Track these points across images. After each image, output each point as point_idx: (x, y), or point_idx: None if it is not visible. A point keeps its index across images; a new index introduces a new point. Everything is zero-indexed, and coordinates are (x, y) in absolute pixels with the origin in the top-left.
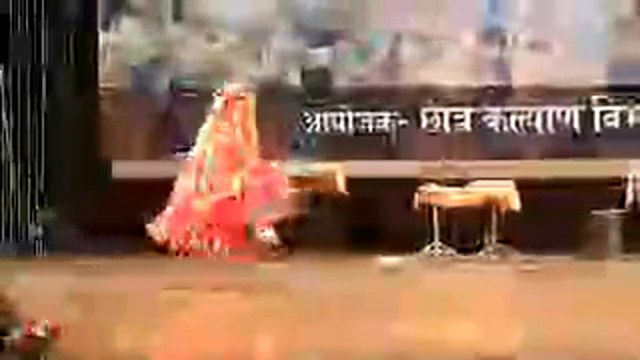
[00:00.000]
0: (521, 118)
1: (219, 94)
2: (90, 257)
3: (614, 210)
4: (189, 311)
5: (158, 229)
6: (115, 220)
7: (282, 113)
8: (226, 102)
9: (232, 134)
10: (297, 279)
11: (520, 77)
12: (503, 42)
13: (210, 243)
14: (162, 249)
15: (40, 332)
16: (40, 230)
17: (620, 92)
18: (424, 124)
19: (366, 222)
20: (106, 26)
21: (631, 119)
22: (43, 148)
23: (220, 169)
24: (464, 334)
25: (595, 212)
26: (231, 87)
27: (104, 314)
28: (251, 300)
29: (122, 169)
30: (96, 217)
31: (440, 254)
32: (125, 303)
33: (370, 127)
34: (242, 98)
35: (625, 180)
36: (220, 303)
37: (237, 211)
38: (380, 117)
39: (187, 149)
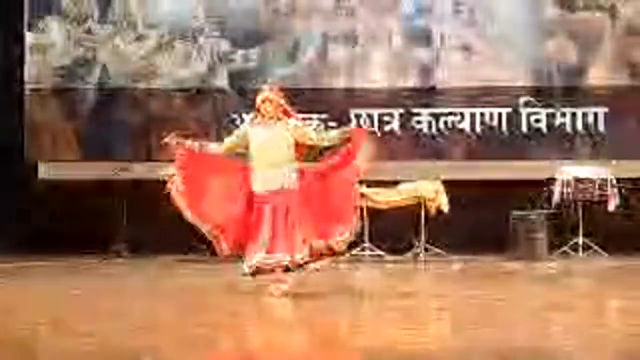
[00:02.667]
0: (449, 119)
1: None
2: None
3: (541, 211)
4: None
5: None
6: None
7: (210, 113)
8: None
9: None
10: None
11: (448, 79)
12: (430, 44)
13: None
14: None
15: None
16: None
17: (547, 94)
18: (353, 125)
19: None
20: (32, 27)
21: (558, 121)
22: None
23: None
24: (392, 333)
25: (522, 213)
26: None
27: None
28: None
29: (47, 171)
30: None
31: (370, 255)
32: None
33: None
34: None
35: (552, 180)
36: None
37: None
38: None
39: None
